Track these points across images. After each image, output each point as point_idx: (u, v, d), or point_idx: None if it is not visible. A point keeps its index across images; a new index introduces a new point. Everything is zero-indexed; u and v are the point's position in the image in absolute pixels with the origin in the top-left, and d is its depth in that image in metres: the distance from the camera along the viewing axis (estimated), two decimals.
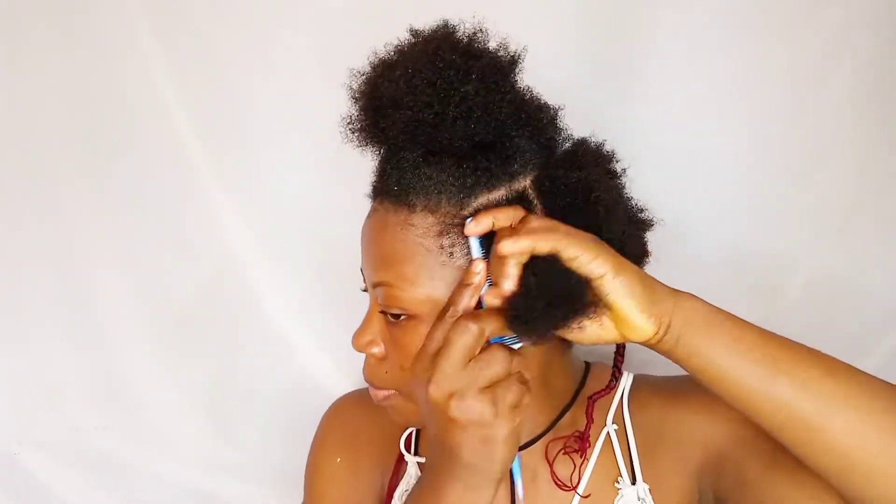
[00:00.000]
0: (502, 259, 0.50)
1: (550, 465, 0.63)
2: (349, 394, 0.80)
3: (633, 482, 0.62)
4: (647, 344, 0.52)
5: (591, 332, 0.51)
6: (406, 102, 0.53)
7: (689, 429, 0.62)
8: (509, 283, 0.50)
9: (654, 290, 0.51)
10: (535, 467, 0.64)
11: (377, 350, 0.59)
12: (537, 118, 0.58)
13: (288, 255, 0.95)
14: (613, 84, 0.82)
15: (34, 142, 0.92)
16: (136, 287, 0.96)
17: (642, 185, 0.62)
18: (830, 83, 0.81)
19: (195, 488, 1.01)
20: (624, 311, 0.49)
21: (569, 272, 0.49)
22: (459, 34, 0.57)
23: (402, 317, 0.56)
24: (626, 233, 0.56)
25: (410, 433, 0.72)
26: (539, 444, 0.64)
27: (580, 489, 0.63)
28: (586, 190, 0.53)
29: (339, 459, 0.74)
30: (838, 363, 0.51)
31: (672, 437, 0.63)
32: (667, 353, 0.52)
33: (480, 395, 0.49)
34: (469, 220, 0.53)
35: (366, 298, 0.62)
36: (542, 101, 0.59)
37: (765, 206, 0.85)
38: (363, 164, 0.62)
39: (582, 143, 0.59)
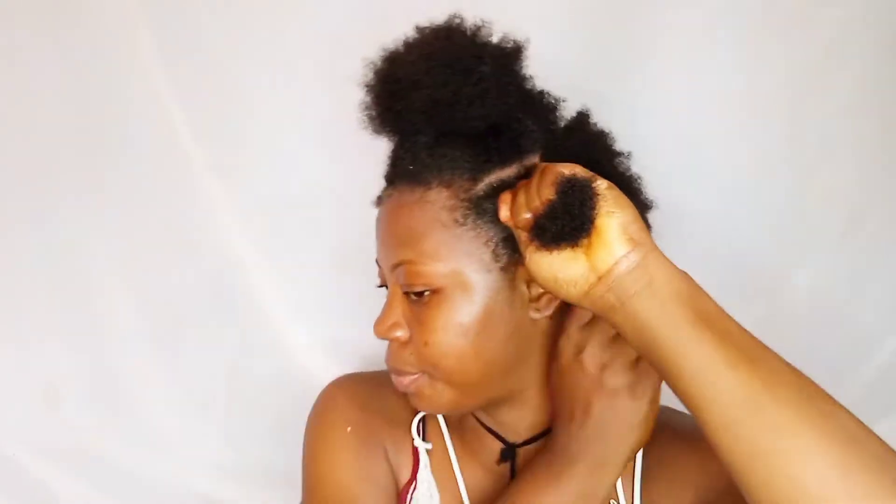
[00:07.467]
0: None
1: None
2: (349, 375, 0.74)
3: None
4: (605, 280, 0.48)
5: (565, 258, 0.50)
6: (424, 82, 0.55)
7: (686, 464, 0.60)
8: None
9: (639, 219, 0.50)
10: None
11: (401, 333, 0.58)
12: (541, 104, 0.61)
13: (288, 255, 0.95)
14: (613, 85, 0.82)
15: (34, 141, 0.92)
16: (135, 286, 0.96)
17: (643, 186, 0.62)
18: (831, 83, 0.81)
19: (194, 489, 1.01)
20: (604, 224, 0.48)
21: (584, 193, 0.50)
22: (467, 25, 0.59)
23: (426, 293, 0.56)
24: None
25: (421, 419, 0.68)
26: (540, 442, 0.62)
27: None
28: (593, 163, 0.53)
29: (349, 428, 0.67)
30: (817, 389, 0.45)
31: (670, 466, 0.61)
32: (624, 303, 0.48)
33: (629, 368, 0.55)
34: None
35: (372, 295, 0.62)
36: (544, 90, 0.62)
37: (766, 207, 0.85)
38: (361, 161, 0.62)
39: (582, 118, 0.63)
